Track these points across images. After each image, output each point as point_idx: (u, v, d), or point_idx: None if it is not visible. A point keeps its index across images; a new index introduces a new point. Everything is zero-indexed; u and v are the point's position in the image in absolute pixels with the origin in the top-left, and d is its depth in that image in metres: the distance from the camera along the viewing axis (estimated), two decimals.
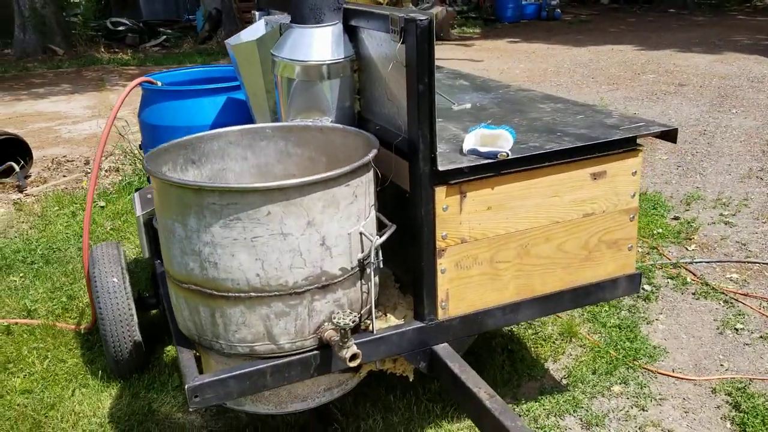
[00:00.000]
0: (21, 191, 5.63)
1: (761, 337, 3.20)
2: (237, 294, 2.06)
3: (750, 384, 2.86)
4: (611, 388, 2.87)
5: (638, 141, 2.42)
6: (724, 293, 3.59)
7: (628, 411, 2.75)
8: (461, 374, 2.19)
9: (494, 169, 2.21)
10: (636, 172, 2.43)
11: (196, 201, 2.00)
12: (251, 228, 1.99)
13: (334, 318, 2.09)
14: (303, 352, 2.16)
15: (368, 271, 2.20)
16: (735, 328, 3.28)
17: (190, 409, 2.34)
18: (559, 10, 17.27)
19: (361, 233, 2.16)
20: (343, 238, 2.11)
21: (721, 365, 3.02)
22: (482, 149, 2.22)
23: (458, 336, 2.36)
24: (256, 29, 3.01)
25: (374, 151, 2.18)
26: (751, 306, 3.45)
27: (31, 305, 3.68)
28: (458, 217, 2.22)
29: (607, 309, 3.45)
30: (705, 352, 3.12)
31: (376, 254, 2.21)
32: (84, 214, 3.42)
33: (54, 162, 6.59)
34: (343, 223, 2.10)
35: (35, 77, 11.82)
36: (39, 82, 11.27)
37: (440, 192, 2.17)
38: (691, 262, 3.93)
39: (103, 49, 14.49)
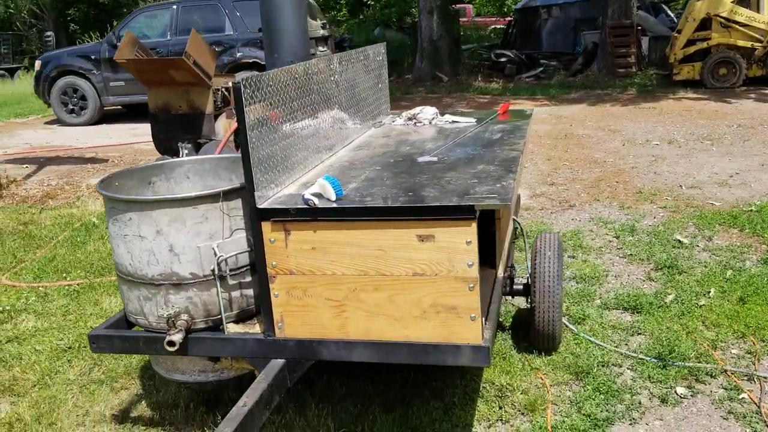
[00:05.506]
0: None
1: None
2: (123, 276, 2.79)
3: None
4: None
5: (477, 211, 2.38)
6: (766, 421, 2.90)
7: None
8: (254, 383, 2.54)
9: (311, 214, 2.49)
10: (471, 242, 2.38)
11: (104, 203, 2.79)
12: (123, 228, 2.69)
13: (158, 310, 2.66)
14: (166, 333, 2.77)
15: (226, 280, 2.70)
16: None
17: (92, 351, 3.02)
18: None
19: (213, 249, 2.67)
20: (192, 249, 2.66)
21: None
22: (306, 195, 2.52)
23: (293, 356, 2.67)
24: None
25: (230, 186, 2.67)
26: None
27: None
28: (285, 251, 2.56)
29: (602, 397, 3.12)
30: None
31: (239, 268, 2.71)
32: None
33: None
34: (192, 237, 2.65)
35: (404, 100, 13.74)
36: (405, 105, 13.14)
37: (265, 226, 2.54)
38: None
39: (480, 78, 15.98)
